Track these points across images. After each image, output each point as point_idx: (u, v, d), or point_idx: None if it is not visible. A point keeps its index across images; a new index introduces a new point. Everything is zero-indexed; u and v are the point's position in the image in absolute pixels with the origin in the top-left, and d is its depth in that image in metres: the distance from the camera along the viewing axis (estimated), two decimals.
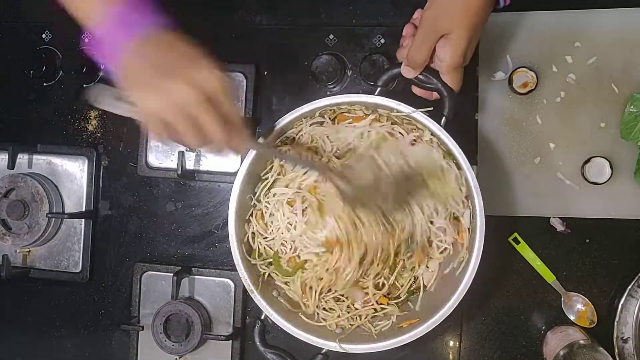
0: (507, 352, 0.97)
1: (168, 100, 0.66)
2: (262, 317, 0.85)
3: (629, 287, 0.90)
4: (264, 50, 1.03)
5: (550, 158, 0.94)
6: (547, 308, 0.96)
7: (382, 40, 1.00)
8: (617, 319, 0.91)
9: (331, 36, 1.01)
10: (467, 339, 0.98)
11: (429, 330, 0.79)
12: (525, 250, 0.95)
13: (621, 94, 0.92)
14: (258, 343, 0.85)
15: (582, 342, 0.87)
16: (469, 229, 0.84)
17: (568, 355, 0.85)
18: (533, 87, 0.94)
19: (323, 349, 0.82)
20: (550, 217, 0.95)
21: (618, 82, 0.93)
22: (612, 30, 0.93)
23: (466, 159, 0.79)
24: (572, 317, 0.94)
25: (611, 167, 0.91)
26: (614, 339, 0.91)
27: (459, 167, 0.81)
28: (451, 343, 0.98)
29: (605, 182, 0.92)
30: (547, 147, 0.94)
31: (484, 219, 0.79)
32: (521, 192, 0.95)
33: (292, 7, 1.03)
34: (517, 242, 0.95)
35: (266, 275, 0.88)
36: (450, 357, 0.98)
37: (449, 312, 0.79)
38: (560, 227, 0.95)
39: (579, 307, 0.94)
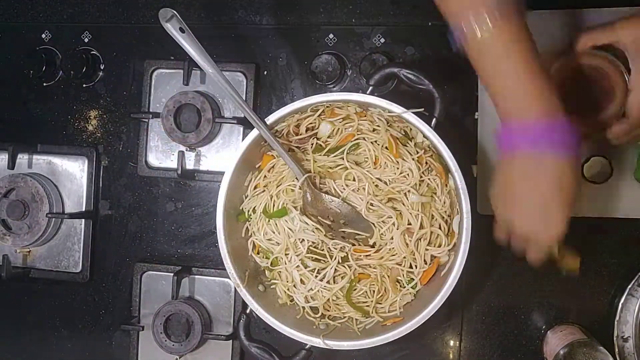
0: (507, 352, 0.97)
1: (518, 228, 0.73)
2: (248, 311, 0.85)
3: (629, 286, 0.90)
4: (264, 50, 1.03)
5: None
6: (547, 307, 0.96)
7: (382, 40, 1.00)
8: (617, 318, 0.91)
9: (331, 35, 1.01)
10: (467, 338, 0.98)
11: (413, 329, 0.80)
12: None
13: None
14: (242, 337, 0.85)
15: (582, 341, 0.87)
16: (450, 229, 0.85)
17: (568, 354, 0.85)
18: None
19: (307, 344, 0.83)
20: None
21: None
22: None
23: (455, 162, 0.80)
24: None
25: (611, 166, 0.91)
26: (614, 338, 0.91)
27: (448, 169, 0.81)
28: (451, 342, 0.98)
29: (605, 181, 0.92)
30: None
31: (470, 222, 0.79)
32: None
33: (292, 7, 1.03)
34: None
35: (260, 268, 0.90)
36: (451, 356, 0.98)
37: (433, 312, 0.79)
38: None
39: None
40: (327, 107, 0.86)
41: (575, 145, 0.69)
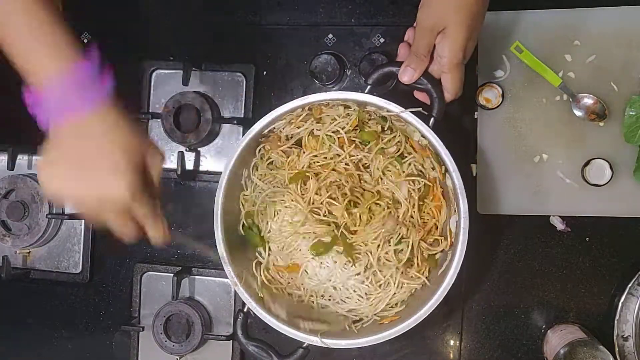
0: (507, 351, 0.97)
1: (76, 200, 0.69)
2: (245, 310, 0.85)
3: (629, 285, 0.90)
4: (264, 50, 1.03)
5: (550, 156, 0.94)
6: (548, 306, 0.96)
7: (382, 40, 1.00)
8: (617, 317, 0.91)
9: (330, 35, 1.01)
10: (468, 337, 0.98)
11: (410, 328, 0.80)
12: (529, 58, 0.93)
13: (621, 92, 0.92)
14: (240, 335, 0.85)
15: (582, 340, 0.87)
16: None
17: (569, 353, 0.85)
18: (497, 105, 0.94)
19: (304, 342, 0.83)
20: (550, 216, 0.96)
21: (618, 80, 0.93)
22: (612, 29, 0.93)
23: (453, 162, 0.79)
24: (580, 114, 0.92)
25: (611, 168, 0.91)
26: (615, 337, 0.91)
27: (447, 169, 0.81)
28: (452, 342, 0.98)
29: (606, 183, 0.92)
30: (546, 146, 0.94)
31: (467, 222, 0.79)
32: (521, 191, 0.95)
33: (292, 7, 1.03)
34: (520, 51, 0.94)
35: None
36: (451, 356, 0.98)
37: (429, 312, 0.79)
38: (560, 226, 0.95)
39: (588, 102, 0.92)
40: (316, 106, 0.85)
41: (102, 96, 0.66)
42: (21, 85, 0.72)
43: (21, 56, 0.67)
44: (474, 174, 0.96)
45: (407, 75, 0.79)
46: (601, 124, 0.92)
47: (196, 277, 1.03)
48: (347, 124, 0.85)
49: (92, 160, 0.66)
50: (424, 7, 0.77)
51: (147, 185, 0.69)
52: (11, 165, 1.06)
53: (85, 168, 0.66)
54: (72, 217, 1.06)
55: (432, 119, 0.81)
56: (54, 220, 1.05)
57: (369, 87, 0.83)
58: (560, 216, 0.95)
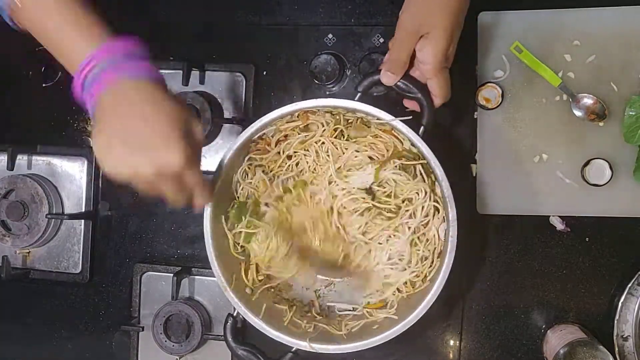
0: (507, 351, 0.97)
1: (134, 174, 0.68)
2: (235, 314, 0.85)
3: (629, 285, 0.90)
4: (264, 50, 1.03)
5: (550, 157, 0.94)
6: (547, 307, 0.96)
7: (381, 40, 1.00)
8: (617, 317, 0.91)
9: (330, 35, 1.01)
10: (468, 337, 0.98)
11: (400, 332, 0.80)
12: (529, 58, 0.93)
13: (620, 93, 0.92)
14: (229, 339, 0.86)
15: (582, 340, 0.87)
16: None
17: (568, 353, 0.85)
18: (497, 105, 0.94)
19: (293, 347, 0.83)
20: (549, 216, 0.96)
21: (617, 80, 0.93)
22: (612, 29, 0.93)
23: (442, 171, 0.79)
24: (580, 114, 0.92)
25: (611, 168, 0.91)
26: (614, 337, 0.91)
27: (435, 177, 0.81)
28: (451, 342, 0.98)
29: (606, 183, 0.92)
30: (546, 146, 0.94)
31: (456, 230, 0.79)
32: (520, 191, 0.95)
33: (291, 7, 1.03)
34: (520, 51, 0.94)
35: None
36: (451, 356, 0.98)
37: (420, 316, 0.79)
38: (560, 226, 0.95)
39: (588, 102, 0.91)
40: (303, 113, 0.85)
41: (142, 65, 0.70)
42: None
43: (55, 43, 0.71)
44: (474, 174, 0.96)
45: (386, 79, 0.80)
46: (601, 124, 0.92)
47: (196, 277, 1.03)
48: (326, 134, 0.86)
49: (140, 131, 0.66)
50: (406, 12, 0.77)
51: (195, 151, 0.70)
52: (11, 165, 1.06)
53: (135, 140, 0.66)
54: (71, 217, 1.06)
55: (422, 127, 0.81)
56: (53, 220, 1.06)
57: (359, 94, 0.83)
58: (560, 216, 0.95)
